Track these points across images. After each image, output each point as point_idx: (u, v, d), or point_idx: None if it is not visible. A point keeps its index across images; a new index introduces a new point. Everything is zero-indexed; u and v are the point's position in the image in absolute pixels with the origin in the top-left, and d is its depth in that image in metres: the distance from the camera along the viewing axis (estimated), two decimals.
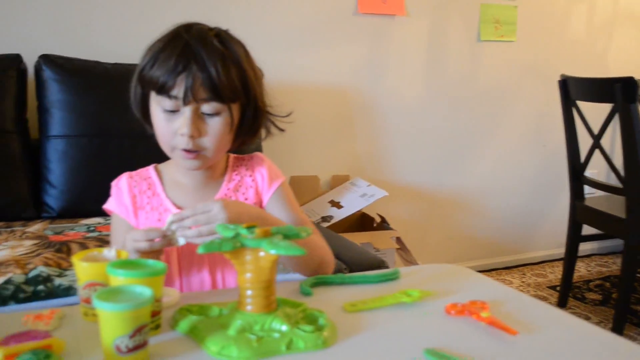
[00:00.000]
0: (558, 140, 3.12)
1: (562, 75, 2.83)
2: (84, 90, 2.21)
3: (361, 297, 1.03)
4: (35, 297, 1.51)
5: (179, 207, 1.20)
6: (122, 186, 1.24)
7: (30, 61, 2.25)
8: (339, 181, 3.00)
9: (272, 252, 0.80)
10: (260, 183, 1.25)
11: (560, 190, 3.53)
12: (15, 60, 2.21)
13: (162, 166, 1.28)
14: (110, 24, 2.46)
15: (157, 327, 0.88)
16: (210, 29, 1.16)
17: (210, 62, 1.09)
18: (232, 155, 1.29)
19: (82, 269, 0.91)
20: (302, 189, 2.91)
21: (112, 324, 0.75)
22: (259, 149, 2.52)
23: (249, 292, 0.85)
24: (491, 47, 3.32)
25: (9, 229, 2.01)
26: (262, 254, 0.83)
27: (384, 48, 3.06)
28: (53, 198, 2.19)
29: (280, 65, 2.80)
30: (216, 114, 1.12)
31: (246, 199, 1.23)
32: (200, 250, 0.80)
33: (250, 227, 0.84)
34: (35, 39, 2.36)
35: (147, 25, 2.34)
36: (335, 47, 2.95)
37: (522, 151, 3.52)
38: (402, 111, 3.15)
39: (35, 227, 2.05)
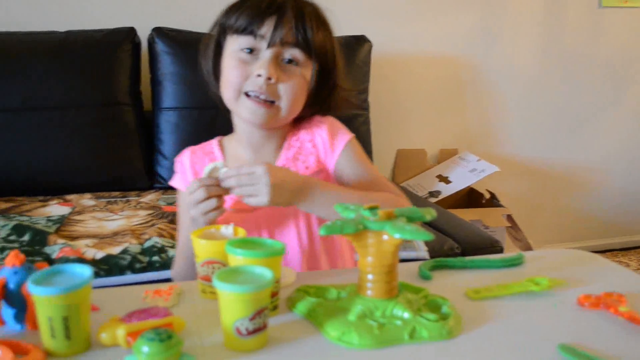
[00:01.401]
0: None
1: None
2: (195, 62, 2.22)
3: (484, 283, 0.97)
4: (150, 267, 1.55)
5: None
6: (184, 162, 1.22)
7: (143, 34, 2.29)
8: (446, 155, 2.91)
9: (397, 236, 0.75)
10: (322, 148, 1.17)
11: None
12: (129, 34, 2.25)
13: (226, 139, 1.24)
14: None
15: (275, 308, 0.86)
16: None
17: (307, 13, 1.06)
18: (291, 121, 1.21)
19: (201, 247, 0.90)
20: (408, 162, 2.85)
21: (232, 305, 0.73)
22: (367, 122, 2.48)
23: (370, 277, 0.81)
24: (614, 13, 3.10)
25: (124, 199, 2.08)
26: (385, 237, 0.78)
27: (497, 15, 2.92)
28: (165, 169, 2.24)
29: (387, 34, 2.73)
30: (297, 64, 1.08)
31: (307, 168, 1.16)
32: (322, 232, 0.77)
33: (372, 209, 0.79)
34: (149, 12, 2.40)
35: None
36: (445, 14, 2.84)
37: None
38: (515, 82, 3.00)
39: (149, 197, 2.10)
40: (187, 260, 1.12)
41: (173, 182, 1.22)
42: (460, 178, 2.68)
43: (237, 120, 1.18)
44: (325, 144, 1.16)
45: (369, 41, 2.49)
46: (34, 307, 0.74)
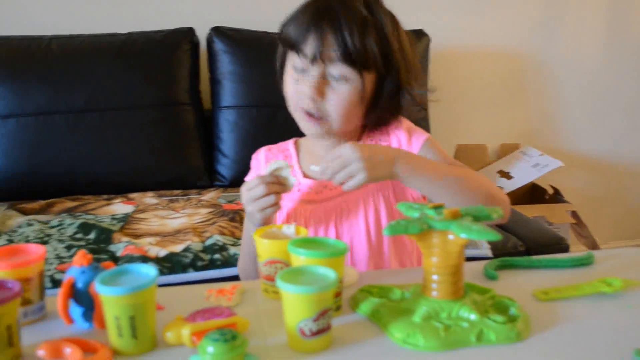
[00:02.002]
0: None
1: None
2: (253, 61, 2.25)
3: (553, 283, 0.94)
4: (212, 265, 1.56)
5: (312, 179, 1.17)
6: (260, 158, 1.24)
7: (202, 34, 2.32)
8: (508, 150, 2.84)
9: (463, 236, 0.73)
10: (398, 146, 1.15)
11: None
12: (188, 34, 2.29)
13: (302, 140, 1.25)
14: None
15: (338, 308, 0.85)
16: None
17: (346, 23, 1.04)
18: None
19: (263, 246, 0.90)
20: (468, 158, 2.80)
21: (296, 306, 0.73)
22: (426, 117, 2.44)
23: (435, 277, 0.80)
24: None
25: (185, 197, 2.10)
26: (451, 237, 0.76)
27: (560, 6, 2.84)
28: (225, 167, 2.26)
29: (447, 28, 2.68)
30: (344, 79, 1.06)
31: None
32: (386, 232, 0.75)
33: (437, 207, 0.78)
34: (207, 11, 2.42)
35: None
36: (505, 7, 2.78)
37: None
38: (579, 74, 2.91)
39: (209, 195, 2.13)
40: (250, 256, 1.13)
41: (248, 178, 1.23)
42: (523, 173, 2.62)
43: None
44: (401, 145, 1.15)
45: (427, 35, 2.46)
46: (102, 307, 0.75)
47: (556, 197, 2.64)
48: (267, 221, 1.05)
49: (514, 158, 2.75)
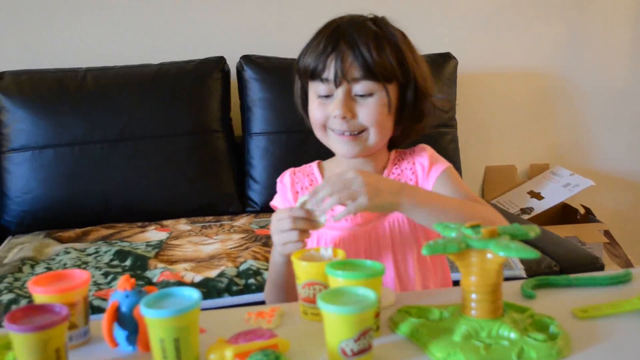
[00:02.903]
0: None
1: None
2: (282, 87, 2.27)
3: (590, 301, 0.94)
4: (247, 290, 1.58)
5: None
6: (285, 182, 1.24)
7: (232, 62, 2.36)
8: (537, 170, 2.83)
9: (502, 254, 0.74)
10: (421, 174, 1.17)
11: None
12: (219, 62, 2.33)
13: (326, 162, 1.26)
14: (303, 21, 2.51)
15: (377, 329, 0.86)
16: (366, 15, 1.14)
17: (362, 41, 1.06)
18: (394, 150, 1.23)
19: (302, 268, 0.91)
20: (498, 179, 2.79)
21: (337, 326, 0.74)
22: (455, 139, 2.45)
23: (473, 296, 0.80)
24: None
25: (218, 223, 2.13)
26: (489, 256, 0.77)
27: (585, 24, 2.84)
28: (256, 193, 2.29)
29: (473, 49, 2.70)
30: (370, 94, 1.08)
31: None
32: (425, 252, 0.76)
33: (474, 227, 0.79)
34: (237, 40, 2.47)
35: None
36: (530, 28, 2.78)
37: None
38: (607, 92, 2.90)
39: (242, 221, 2.15)
40: (273, 283, 1.15)
41: (273, 202, 1.25)
42: (553, 193, 2.60)
43: None
44: (424, 170, 1.17)
45: (454, 58, 2.47)
46: (146, 329, 0.77)
47: (588, 216, 2.61)
48: (288, 255, 1.02)
49: (544, 178, 2.74)
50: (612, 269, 1.04)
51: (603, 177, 2.86)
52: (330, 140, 1.14)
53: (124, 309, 0.84)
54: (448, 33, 2.65)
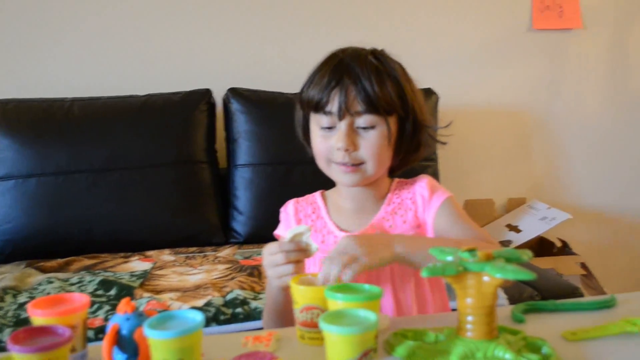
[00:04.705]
0: None
1: None
2: (268, 120, 2.31)
3: (578, 325, 0.96)
4: (234, 319, 1.58)
5: (341, 229, 1.19)
6: (289, 211, 1.27)
7: (218, 94, 2.39)
8: (515, 204, 2.89)
9: (498, 276, 0.77)
10: (421, 204, 1.20)
11: None
12: (205, 95, 2.36)
13: (329, 192, 1.29)
14: (289, 56, 2.56)
15: (374, 351, 0.87)
16: (366, 49, 1.17)
17: (364, 75, 1.10)
18: (396, 180, 1.26)
19: (300, 293, 0.93)
20: (476, 212, 2.84)
21: (339, 347, 0.75)
22: (435, 173, 2.49)
23: (469, 318, 0.83)
24: None
25: (202, 254, 2.13)
26: (486, 278, 0.80)
27: (561, 64, 2.93)
28: (240, 224, 2.30)
29: (453, 86, 2.76)
30: (372, 127, 1.12)
31: (404, 222, 1.19)
32: (424, 274, 0.79)
33: (471, 250, 0.81)
34: (223, 73, 2.51)
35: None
36: (509, 66, 2.87)
37: None
38: (582, 129, 2.98)
39: (225, 252, 2.16)
40: (270, 315, 1.18)
41: (277, 231, 1.27)
42: (531, 227, 2.65)
43: None
44: (424, 200, 1.19)
45: (435, 93, 2.53)
46: (149, 351, 0.78)
47: (564, 249, 2.66)
48: (285, 288, 1.04)
49: (521, 212, 2.79)
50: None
51: (579, 211, 2.93)
52: (332, 171, 1.18)
53: (124, 331, 0.84)
54: (430, 69, 2.71)
